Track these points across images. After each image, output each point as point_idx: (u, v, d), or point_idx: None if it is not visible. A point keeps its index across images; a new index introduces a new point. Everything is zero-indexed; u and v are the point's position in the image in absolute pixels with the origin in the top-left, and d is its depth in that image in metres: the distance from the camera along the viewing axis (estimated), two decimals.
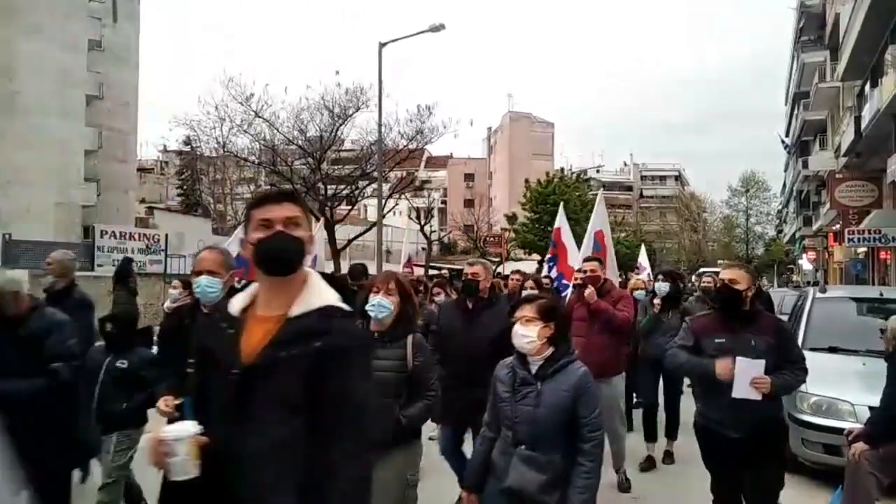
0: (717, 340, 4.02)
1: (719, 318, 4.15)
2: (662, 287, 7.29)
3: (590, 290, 5.80)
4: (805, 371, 4.02)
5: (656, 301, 7.31)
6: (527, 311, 3.23)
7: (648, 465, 6.71)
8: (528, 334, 3.17)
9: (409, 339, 3.59)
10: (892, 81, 15.32)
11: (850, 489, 4.73)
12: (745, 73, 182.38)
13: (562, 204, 10.36)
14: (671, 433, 7.04)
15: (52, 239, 22.10)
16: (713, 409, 4.10)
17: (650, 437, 6.91)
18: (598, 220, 9.00)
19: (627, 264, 27.57)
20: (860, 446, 4.70)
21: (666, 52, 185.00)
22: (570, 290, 7.18)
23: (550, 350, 3.21)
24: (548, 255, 9.87)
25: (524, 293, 6.33)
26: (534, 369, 3.21)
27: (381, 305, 3.57)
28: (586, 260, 6.36)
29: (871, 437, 4.72)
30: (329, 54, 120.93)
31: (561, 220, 10.01)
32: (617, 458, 5.99)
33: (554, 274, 9.40)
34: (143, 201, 37.64)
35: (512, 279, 9.00)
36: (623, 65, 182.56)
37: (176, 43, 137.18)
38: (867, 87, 18.72)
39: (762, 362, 3.88)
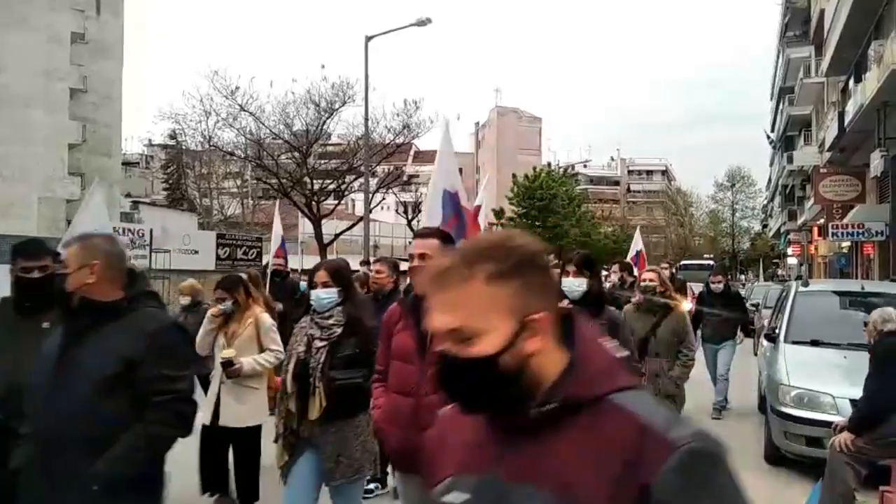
0: (449, 499, 1.19)
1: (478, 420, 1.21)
2: (573, 286, 4.17)
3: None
4: None
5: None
6: None
7: None
8: None
9: None
10: (876, 77, 15.40)
11: (828, 480, 4.80)
12: (733, 71, 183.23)
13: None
14: None
15: (35, 234, 21.88)
16: None
17: None
18: (448, 174, 5.31)
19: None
20: (844, 435, 4.79)
21: (654, 48, 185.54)
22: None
23: None
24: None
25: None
26: None
27: None
28: (418, 235, 3.56)
29: (855, 426, 4.80)
30: (315, 48, 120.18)
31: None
32: None
33: None
34: (128, 196, 37.27)
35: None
36: (611, 60, 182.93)
37: (162, 39, 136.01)
38: (851, 83, 18.81)
39: None
